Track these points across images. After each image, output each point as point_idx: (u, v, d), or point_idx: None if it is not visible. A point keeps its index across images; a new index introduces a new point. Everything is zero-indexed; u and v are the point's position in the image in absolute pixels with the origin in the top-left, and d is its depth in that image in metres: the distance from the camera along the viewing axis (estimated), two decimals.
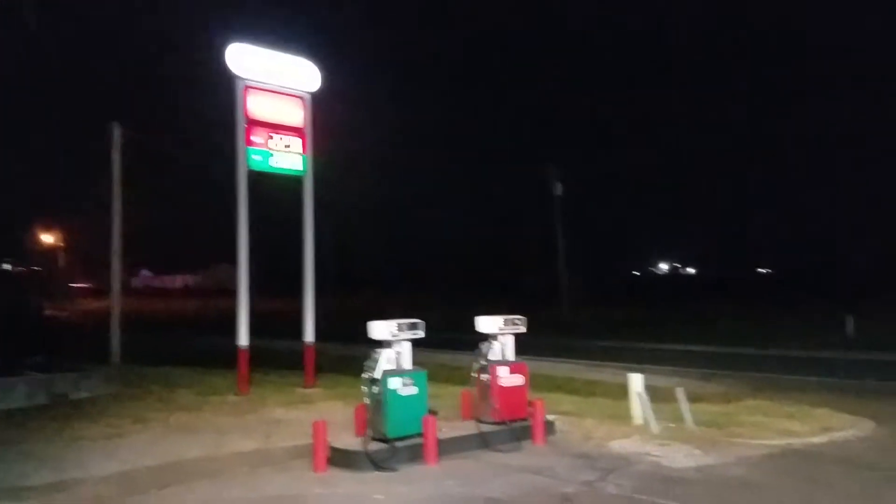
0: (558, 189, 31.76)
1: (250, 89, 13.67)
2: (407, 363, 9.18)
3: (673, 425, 10.31)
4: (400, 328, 9.05)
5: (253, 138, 13.63)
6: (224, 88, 13.68)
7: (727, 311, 37.17)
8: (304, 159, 14.48)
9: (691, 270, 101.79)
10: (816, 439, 9.79)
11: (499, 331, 10.07)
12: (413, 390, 8.99)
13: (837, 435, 10.05)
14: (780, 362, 19.53)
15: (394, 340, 9.04)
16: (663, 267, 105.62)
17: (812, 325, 26.92)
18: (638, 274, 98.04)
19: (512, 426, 9.73)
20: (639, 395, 10.61)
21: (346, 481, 8.08)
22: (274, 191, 15.64)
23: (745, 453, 9.10)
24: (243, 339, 13.34)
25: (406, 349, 9.20)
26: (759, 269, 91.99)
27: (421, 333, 9.22)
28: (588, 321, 32.55)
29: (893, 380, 15.70)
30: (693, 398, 11.05)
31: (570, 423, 10.77)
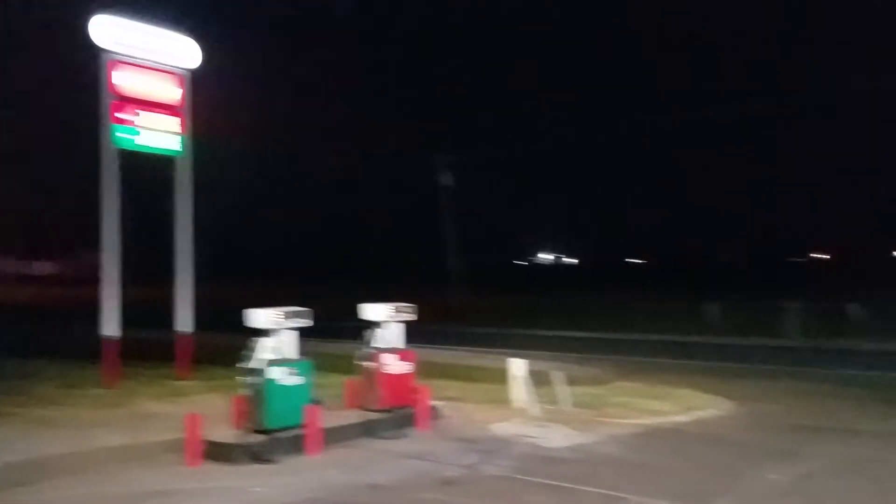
0: (447, 178, 31.96)
1: (118, 64, 12.90)
2: (291, 352, 8.98)
3: (551, 407, 10.68)
4: (283, 316, 8.83)
5: (119, 115, 12.88)
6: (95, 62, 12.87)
7: (604, 298, 38.85)
8: (181, 139, 13.83)
9: (573, 260, 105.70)
10: (681, 418, 10.44)
11: (386, 318, 10.04)
12: (296, 380, 8.81)
13: (700, 414, 10.76)
14: (650, 346, 20.64)
15: (276, 329, 8.81)
16: (546, 257, 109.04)
17: (680, 311, 28.57)
18: (523, 263, 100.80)
19: (397, 413, 9.75)
20: (520, 378, 10.91)
21: (223, 475, 7.82)
22: (156, 172, 14.86)
23: (616, 432, 9.57)
24: (110, 328, 12.63)
25: (290, 338, 8.98)
26: (634, 260, 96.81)
27: (307, 322, 9.04)
28: (475, 309, 33.12)
29: (752, 362, 16.96)
30: (570, 381, 11.47)
31: (455, 408, 10.95)
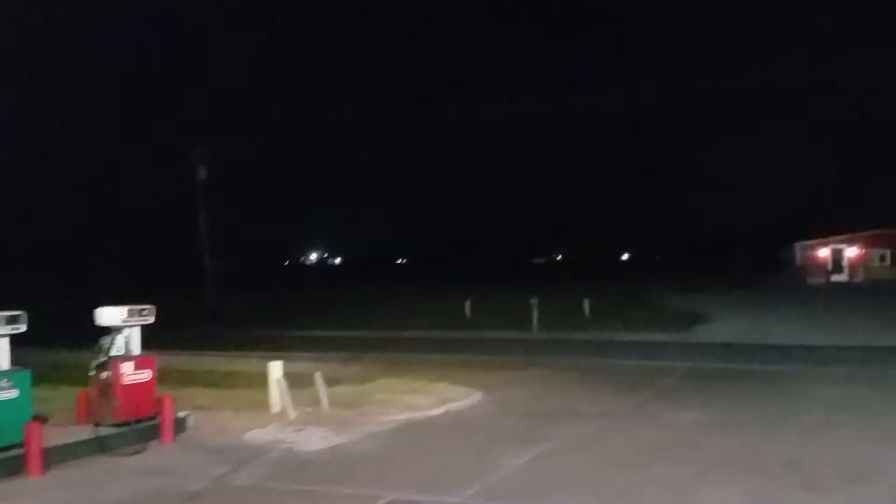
0: (202, 173, 30.16)
1: None
2: (2, 363, 7.82)
3: (310, 409, 10.50)
4: None
5: None
6: None
7: (370, 297, 39.43)
8: None
9: (338, 260, 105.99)
10: (435, 411, 10.82)
11: (122, 322, 9.13)
12: (10, 394, 7.70)
13: (453, 406, 11.24)
14: (411, 343, 21.25)
15: None
16: (312, 257, 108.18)
17: (438, 308, 29.85)
18: (287, 263, 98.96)
19: (136, 426, 8.93)
20: (277, 382, 10.58)
21: None
22: None
23: (373, 430, 9.65)
24: None
25: (2, 346, 7.83)
26: (400, 260, 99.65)
27: (20, 327, 7.93)
28: (234, 310, 31.75)
29: (503, 354, 18.16)
30: (331, 381, 11.40)
31: (206, 417, 10.31)
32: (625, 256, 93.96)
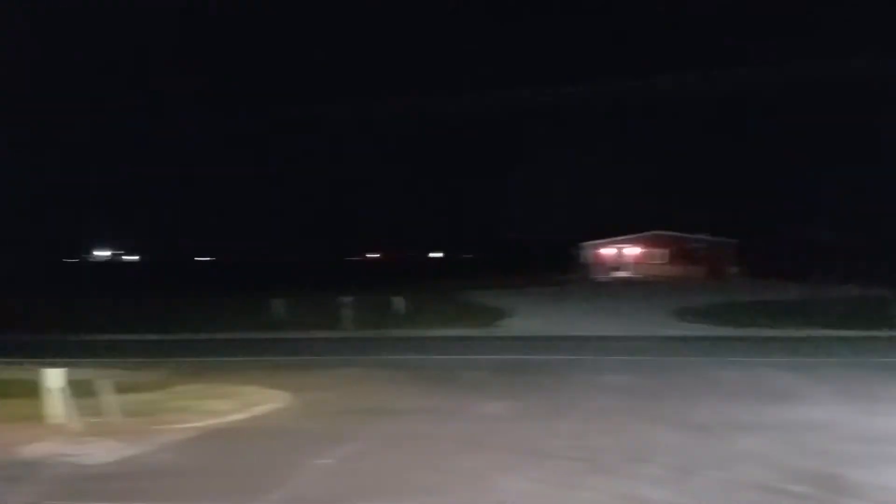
0: None
1: None
2: None
3: (97, 420, 9.66)
4: None
5: None
6: None
7: (170, 298, 36.91)
8: None
9: (133, 258, 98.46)
10: (239, 416, 10.39)
11: None
12: None
13: (259, 409, 10.85)
14: (216, 346, 20.25)
15: None
16: (102, 254, 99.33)
17: (248, 309, 28.63)
18: (74, 261, 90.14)
19: None
20: (56, 391, 9.61)
21: None
22: None
23: (170, 439, 9.07)
24: None
25: None
26: (203, 258, 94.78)
27: None
28: (8, 314, 28.25)
29: (315, 355, 17.86)
30: (123, 389, 10.59)
31: None
32: (437, 255, 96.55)
